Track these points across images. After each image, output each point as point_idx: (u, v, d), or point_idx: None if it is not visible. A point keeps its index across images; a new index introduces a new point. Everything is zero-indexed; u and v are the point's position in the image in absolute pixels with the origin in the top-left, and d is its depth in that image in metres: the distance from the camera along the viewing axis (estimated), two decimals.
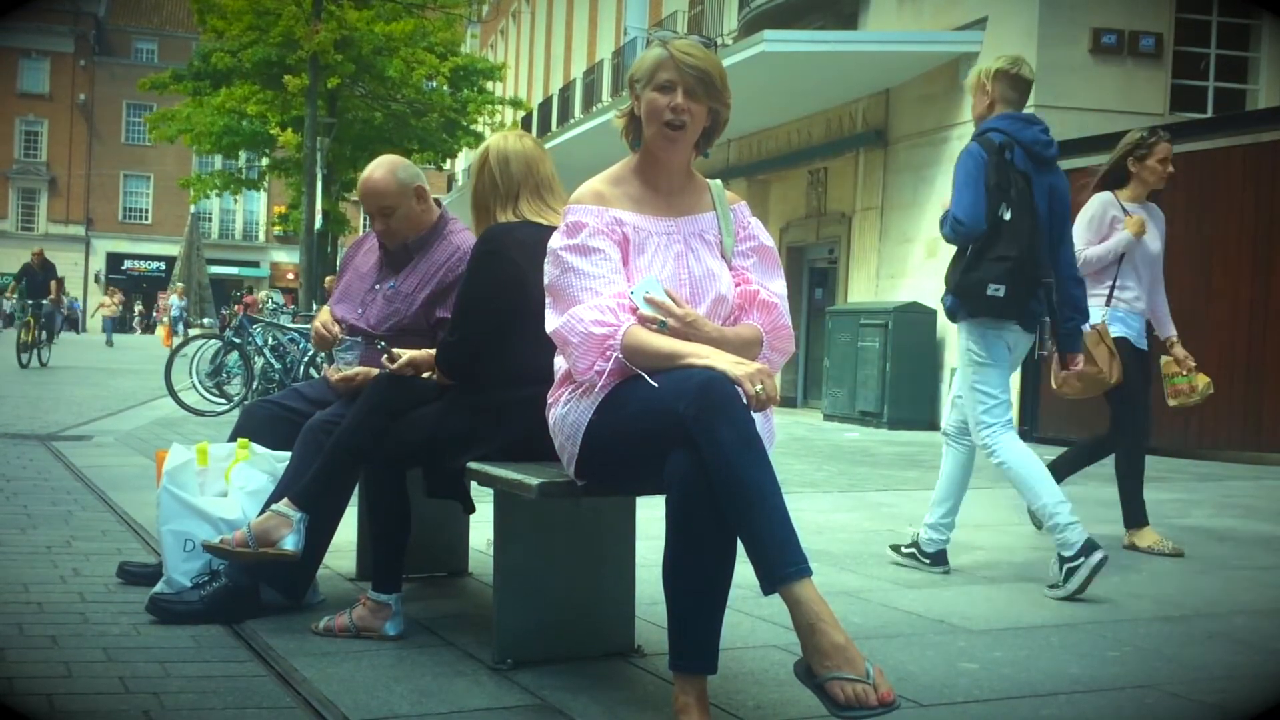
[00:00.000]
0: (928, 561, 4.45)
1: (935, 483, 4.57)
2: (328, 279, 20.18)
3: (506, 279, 3.12)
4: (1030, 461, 4.20)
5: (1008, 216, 4.15)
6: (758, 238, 2.87)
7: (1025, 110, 4.44)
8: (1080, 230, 5.13)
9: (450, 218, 3.82)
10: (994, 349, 4.30)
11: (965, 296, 4.24)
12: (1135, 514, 5.15)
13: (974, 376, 4.32)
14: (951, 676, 3.01)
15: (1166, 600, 4.07)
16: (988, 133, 4.32)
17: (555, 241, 2.73)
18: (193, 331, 21.88)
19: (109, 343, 33.95)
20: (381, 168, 3.73)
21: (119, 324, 36.70)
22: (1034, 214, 4.21)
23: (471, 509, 3.40)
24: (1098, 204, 5.26)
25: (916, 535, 4.54)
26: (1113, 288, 5.19)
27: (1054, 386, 4.94)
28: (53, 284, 19.64)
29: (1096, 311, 5.08)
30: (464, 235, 3.73)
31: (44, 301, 18.63)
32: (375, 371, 3.52)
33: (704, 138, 2.80)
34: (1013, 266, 4.14)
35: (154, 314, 48.19)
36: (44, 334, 18.65)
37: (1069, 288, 4.41)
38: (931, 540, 4.46)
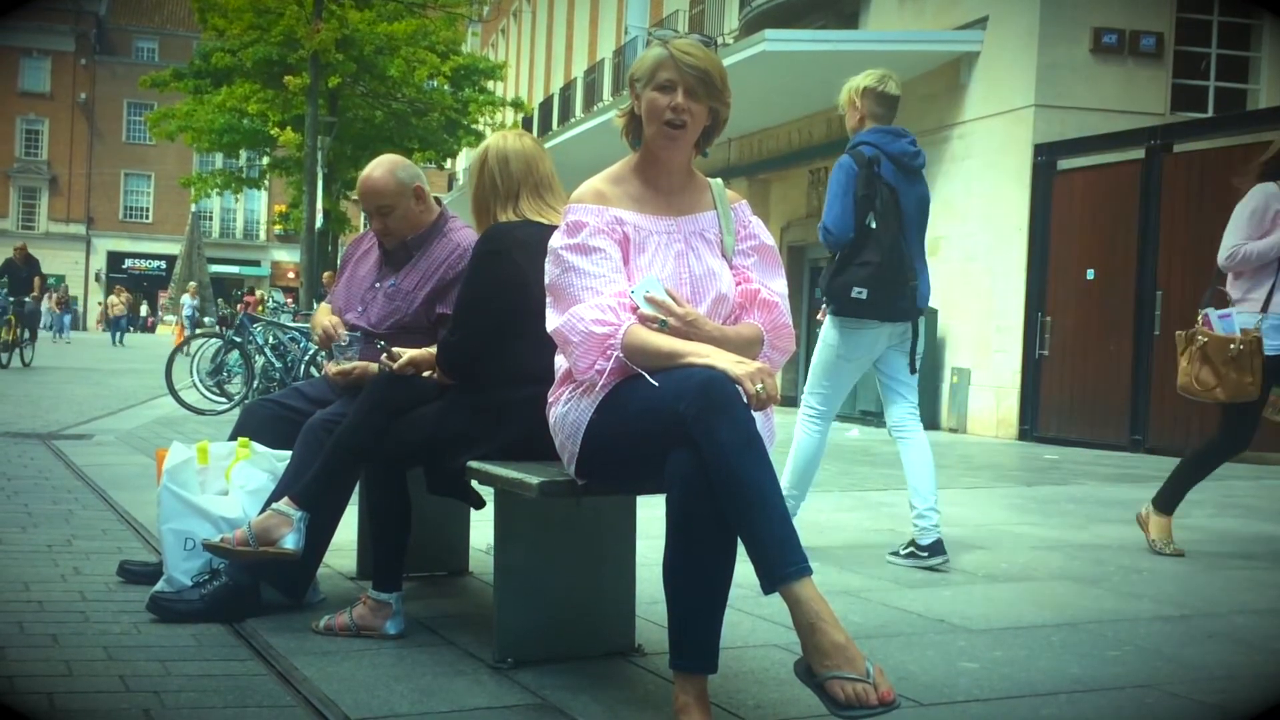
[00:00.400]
0: (926, 554, 4.45)
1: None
2: (326, 274, 20.13)
3: (507, 279, 3.12)
4: (813, 457, 4.71)
5: (874, 225, 4.55)
6: (758, 236, 2.86)
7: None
8: (1240, 224, 4.96)
9: (450, 215, 3.82)
10: (854, 345, 4.68)
11: (833, 298, 4.63)
12: (1169, 500, 5.07)
13: (826, 366, 4.75)
14: (951, 676, 3.01)
15: (1167, 600, 4.07)
16: (859, 146, 4.64)
17: (556, 241, 2.73)
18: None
19: (120, 342, 33.60)
20: (381, 167, 3.73)
21: (114, 324, 36.28)
22: (900, 222, 4.61)
23: (481, 504, 3.39)
24: (1259, 196, 4.96)
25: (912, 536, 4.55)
26: (1272, 289, 4.85)
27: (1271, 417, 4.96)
28: (35, 280, 19.11)
29: (1250, 318, 4.85)
30: (464, 233, 3.73)
31: (26, 299, 18.03)
32: (374, 367, 3.52)
33: (703, 137, 2.79)
34: (874, 271, 4.53)
35: (159, 311, 48.09)
36: (26, 332, 18.07)
37: None
38: (924, 531, 4.47)
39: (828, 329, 4.72)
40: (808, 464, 4.71)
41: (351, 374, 3.59)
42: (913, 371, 4.74)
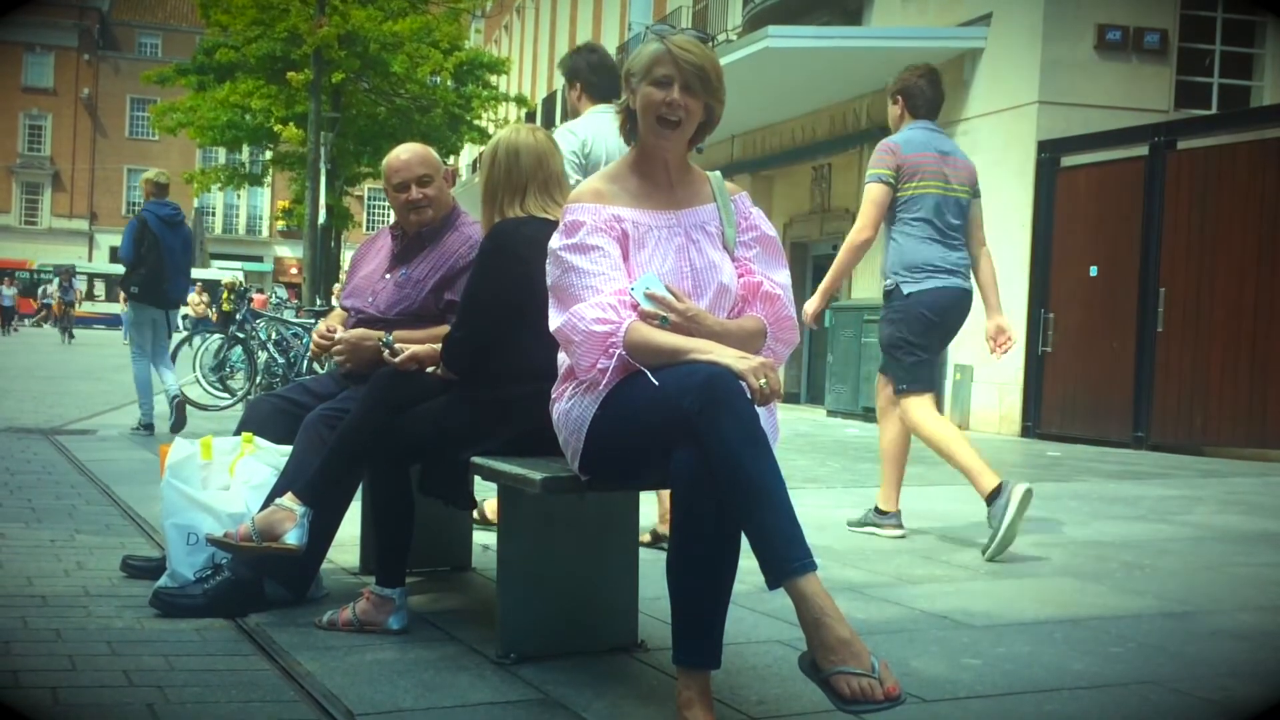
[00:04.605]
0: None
1: (938, 479, 4.59)
2: (336, 287, 20.11)
3: (513, 275, 3.11)
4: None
5: (143, 251, 8.63)
6: (760, 227, 2.85)
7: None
8: None
9: (462, 210, 3.85)
10: (140, 318, 8.85)
11: (124, 287, 9.09)
12: None
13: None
14: (954, 672, 3.01)
15: (1169, 596, 4.06)
16: (143, 211, 8.76)
17: (554, 242, 2.73)
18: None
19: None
20: (410, 147, 3.83)
21: (195, 325, 35.21)
22: (160, 250, 8.58)
23: (472, 506, 3.39)
24: None
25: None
26: None
27: None
28: None
29: None
30: (475, 227, 3.76)
31: None
32: (375, 334, 3.55)
33: (696, 133, 2.78)
34: (143, 279, 8.63)
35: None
36: None
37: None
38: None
39: (130, 312, 8.81)
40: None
41: (346, 352, 3.62)
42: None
